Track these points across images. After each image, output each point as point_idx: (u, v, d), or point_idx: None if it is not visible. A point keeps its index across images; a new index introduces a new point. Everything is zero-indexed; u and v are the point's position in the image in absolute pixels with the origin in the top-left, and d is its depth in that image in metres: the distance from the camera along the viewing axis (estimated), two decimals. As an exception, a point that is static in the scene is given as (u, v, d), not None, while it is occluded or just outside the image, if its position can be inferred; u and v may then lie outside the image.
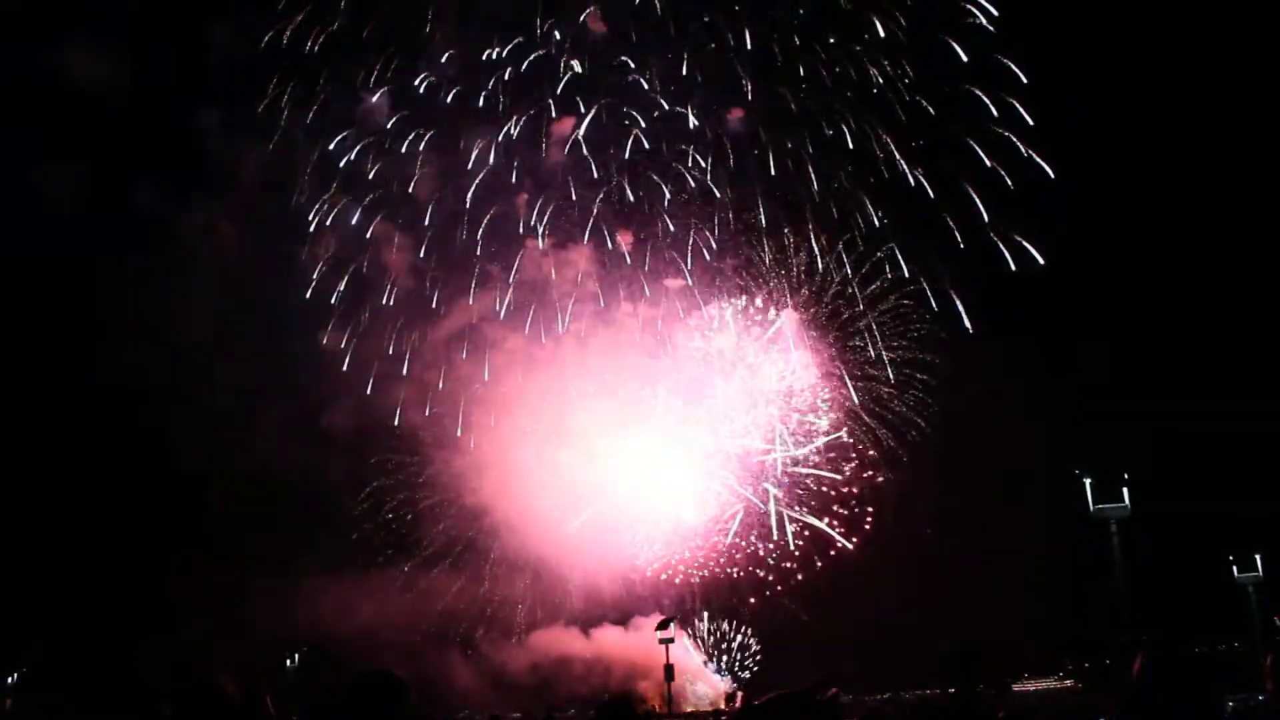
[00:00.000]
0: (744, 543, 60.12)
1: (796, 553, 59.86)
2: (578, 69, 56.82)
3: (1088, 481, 56.05)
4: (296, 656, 63.44)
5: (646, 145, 57.16)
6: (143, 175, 57.73)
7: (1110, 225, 60.73)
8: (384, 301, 58.35)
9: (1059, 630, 61.61)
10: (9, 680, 60.82)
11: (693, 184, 57.85)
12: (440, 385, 57.96)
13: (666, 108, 56.69)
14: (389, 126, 58.11)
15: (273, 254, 57.94)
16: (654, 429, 58.46)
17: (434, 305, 58.30)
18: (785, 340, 59.15)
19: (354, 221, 58.76)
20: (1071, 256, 58.61)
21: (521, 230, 57.99)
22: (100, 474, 59.37)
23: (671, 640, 58.46)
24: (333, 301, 59.22)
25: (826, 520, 59.97)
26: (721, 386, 59.23)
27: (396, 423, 58.82)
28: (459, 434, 58.27)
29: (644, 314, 57.65)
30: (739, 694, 59.56)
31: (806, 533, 60.15)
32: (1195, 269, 60.21)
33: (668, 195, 58.06)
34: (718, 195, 57.76)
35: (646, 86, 56.65)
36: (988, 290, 58.23)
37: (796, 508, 59.83)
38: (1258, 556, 57.16)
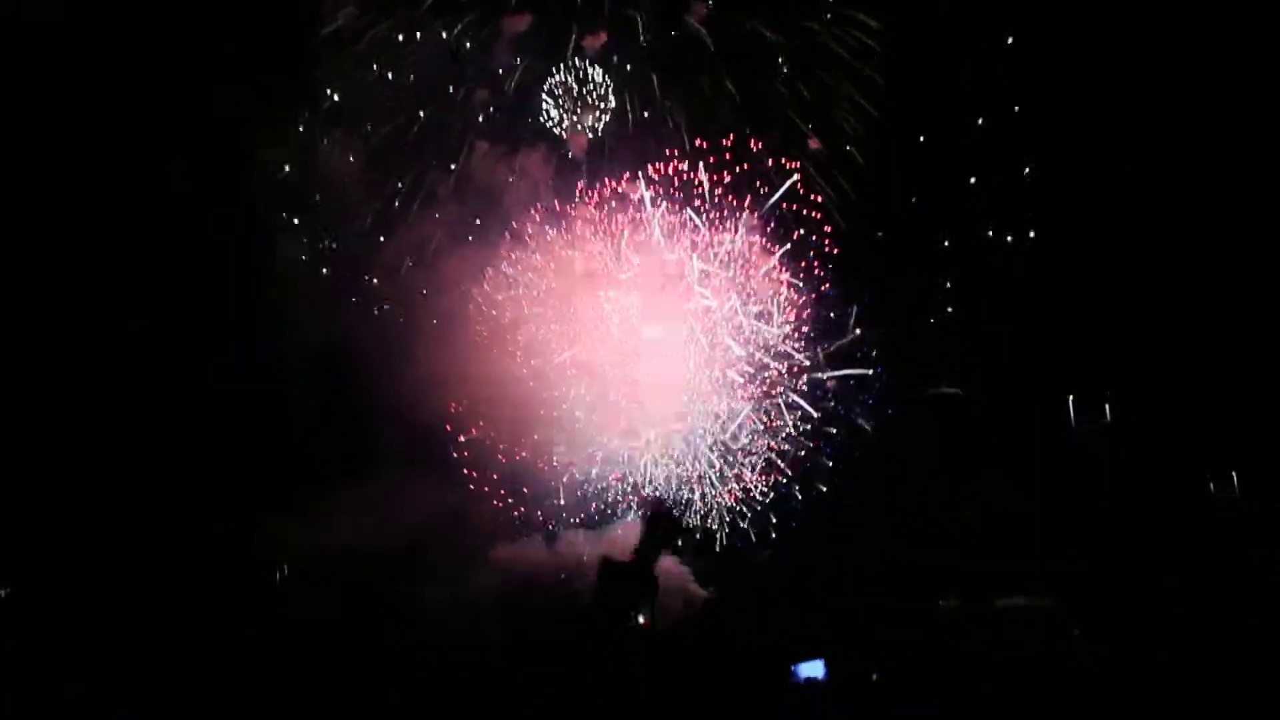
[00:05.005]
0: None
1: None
2: None
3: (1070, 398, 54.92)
4: (286, 568, 63.38)
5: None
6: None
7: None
8: (332, 210, 56.54)
9: (1036, 547, 60.43)
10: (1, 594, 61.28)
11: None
12: (391, 297, 56.56)
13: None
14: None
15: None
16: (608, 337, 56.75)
17: (381, 213, 56.42)
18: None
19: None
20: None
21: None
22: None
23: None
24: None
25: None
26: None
27: (349, 338, 57.12)
28: (411, 345, 56.72)
29: (598, 219, 55.62)
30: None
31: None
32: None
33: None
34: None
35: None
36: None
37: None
38: (1234, 474, 55.34)
